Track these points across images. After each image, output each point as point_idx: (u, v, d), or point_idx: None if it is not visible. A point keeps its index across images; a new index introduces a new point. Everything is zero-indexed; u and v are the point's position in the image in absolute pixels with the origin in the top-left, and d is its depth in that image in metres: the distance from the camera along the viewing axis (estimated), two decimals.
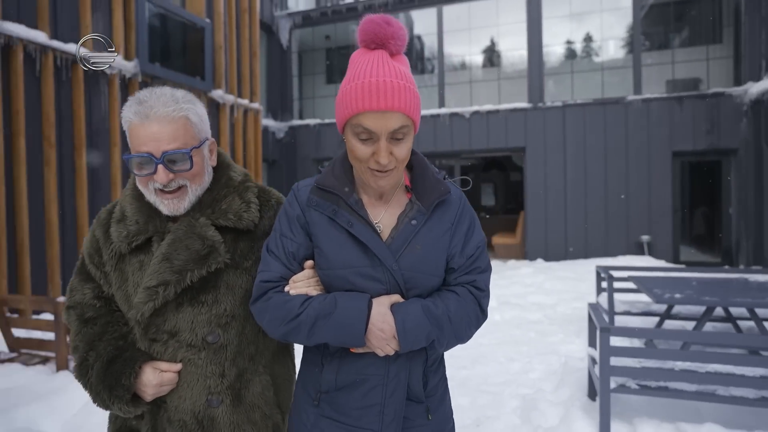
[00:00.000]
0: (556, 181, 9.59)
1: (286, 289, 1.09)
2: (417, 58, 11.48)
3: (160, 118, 1.08)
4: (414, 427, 1.11)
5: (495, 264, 9.47)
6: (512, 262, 9.57)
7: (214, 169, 1.23)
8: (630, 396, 2.97)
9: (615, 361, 2.60)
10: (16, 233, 5.14)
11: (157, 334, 1.14)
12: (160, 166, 1.08)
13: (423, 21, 11.15)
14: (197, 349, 1.13)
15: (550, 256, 9.59)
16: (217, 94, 8.13)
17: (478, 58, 10.98)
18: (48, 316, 4.34)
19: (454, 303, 1.09)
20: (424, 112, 10.26)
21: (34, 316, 4.74)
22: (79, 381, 1.15)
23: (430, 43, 11.15)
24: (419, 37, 11.43)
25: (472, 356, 4.20)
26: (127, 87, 6.55)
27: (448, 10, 10.64)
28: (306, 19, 11.68)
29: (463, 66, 11.05)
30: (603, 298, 4.67)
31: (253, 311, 1.12)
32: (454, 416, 1.32)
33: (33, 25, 5.35)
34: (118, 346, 1.14)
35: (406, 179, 1.16)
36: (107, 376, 1.10)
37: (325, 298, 1.05)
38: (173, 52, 7.24)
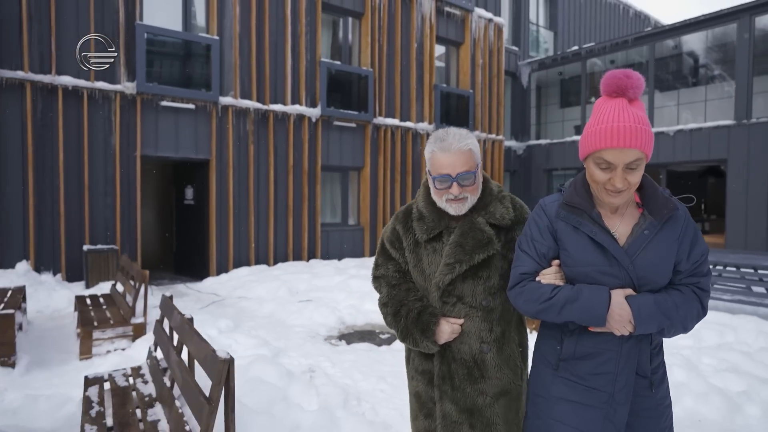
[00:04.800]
0: (758, 188, 10.90)
1: (537, 279, 1.44)
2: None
3: (455, 151, 1.57)
4: (639, 397, 1.40)
5: None
6: None
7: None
8: None
9: None
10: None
11: (448, 297, 1.62)
12: (455, 183, 1.57)
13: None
14: (475, 310, 1.60)
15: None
16: (476, 133, 13.05)
17: (687, 81, 12.75)
18: None
19: (680, 299, 1.36)
20: None
21: None
22: (390, 326, 1.71)
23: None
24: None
25: None
26: (420, 138, 12.03)
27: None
28: (542, 64, 15.52)
29: (674, 88, 13.01)
30: None
31: (509, 295, 1.50)
32: None
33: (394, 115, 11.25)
34: (422, 304, 1.65)
35: (636, 197, 1.44)
36: (419, 323, 1.60)
37: (571, 288, 1.37)
38: (451, 114, 12.48)
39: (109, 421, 2.53)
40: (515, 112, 16.14)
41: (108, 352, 4.59)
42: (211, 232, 8.91)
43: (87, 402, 2.77)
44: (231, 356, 2.04)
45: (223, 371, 2.00)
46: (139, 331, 4.79)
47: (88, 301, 5.60)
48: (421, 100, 11.85)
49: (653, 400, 1.41)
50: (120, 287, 6.23)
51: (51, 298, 6.51)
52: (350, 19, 10.98)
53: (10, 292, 5.13)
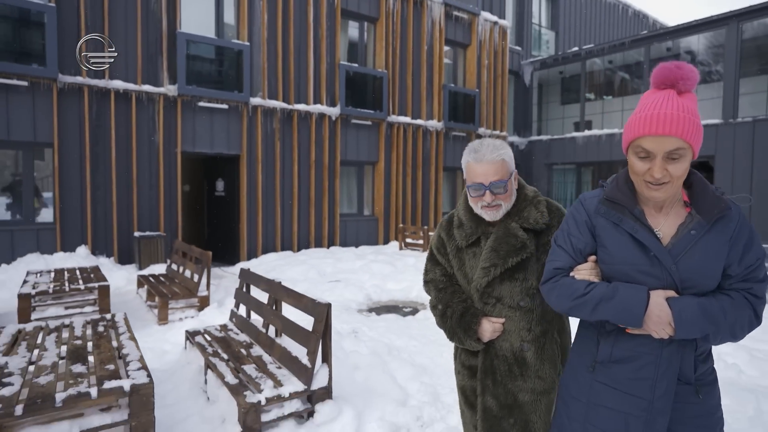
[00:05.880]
0: (742, 182, 11.77)
1: (572, 274, 1.40)
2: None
3: (488, 161, 1.67)
4: (686, 404, 1.31)
5: None
6: None
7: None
8: None
9: None
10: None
11: (488, 299, 1.72)
12: (487, 192, 1.67)
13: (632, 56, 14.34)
14: (514, 310, 1.70)
15: None
16: (481, 130, 13.90)
17: None
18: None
19: (729, 304, 1.26)
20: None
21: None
22: (439, 326, 1.85)
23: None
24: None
25: None
26: (438, 137, 12.89)
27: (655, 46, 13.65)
28: (543, 64, 16.32)
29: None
30: None
31: (542, 290, 1.47)
32: None
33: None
34: (466, 305, 1.76)
35: (684, 196, 1.36)
36: (462, 323, 1.73)
37: (607, 285, 1.32)
38: (459, 112, 13.32)
39: (225, 356, 3.43)
40: (518, 109, 16.97)
41: (181, 319, 5.49)
42: (242, 220, 9.79)
43: (200, 346, 3.67)
44: (329, 302, 2.94)
45: (324, 311, 2.90)
46: (204, 302, 5.69)
47: (152, 279, 6.50)
48: (430, 99, 12.68)
49: (703, 407, 1.33)
50: (174, 266, 7.12)
51: (111, 277, 7.40)
52: (366, 24, 11.78)
53: (90, 269, 6.03)
